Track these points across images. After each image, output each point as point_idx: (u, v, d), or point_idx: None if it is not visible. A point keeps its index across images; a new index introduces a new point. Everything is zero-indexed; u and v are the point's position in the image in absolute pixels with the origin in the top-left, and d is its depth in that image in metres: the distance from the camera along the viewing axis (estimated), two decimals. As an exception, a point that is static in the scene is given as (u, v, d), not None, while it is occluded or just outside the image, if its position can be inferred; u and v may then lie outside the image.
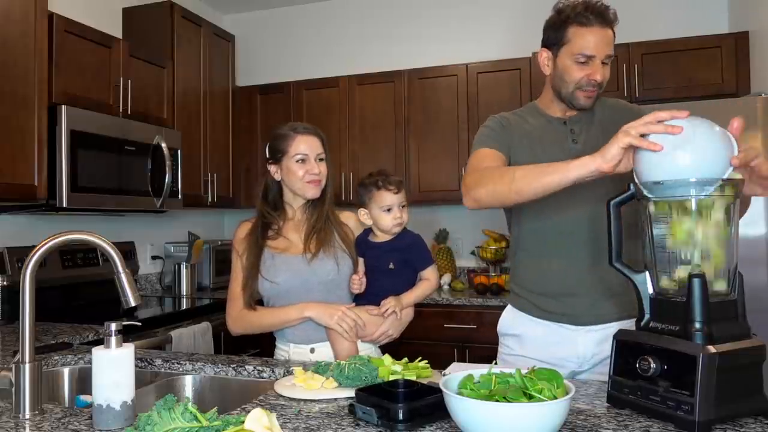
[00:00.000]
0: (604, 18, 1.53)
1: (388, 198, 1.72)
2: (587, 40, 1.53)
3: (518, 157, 1.64)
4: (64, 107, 2.56)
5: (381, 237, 1.78)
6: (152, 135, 3.05)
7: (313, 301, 1.72)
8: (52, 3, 2.66)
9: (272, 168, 1.81)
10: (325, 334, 1.74)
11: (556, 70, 1.61)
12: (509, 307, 1.77)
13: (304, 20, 4.33)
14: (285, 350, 1.80)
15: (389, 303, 1.71)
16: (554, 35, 1.60)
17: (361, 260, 1.80)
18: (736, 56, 3.15)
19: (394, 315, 1.73)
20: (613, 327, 1.59)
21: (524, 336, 1.70)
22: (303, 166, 1.75)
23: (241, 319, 1.78)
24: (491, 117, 1.75)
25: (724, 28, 3.46)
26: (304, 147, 1.76)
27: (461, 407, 1.01)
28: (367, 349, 1.76)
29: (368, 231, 1.82)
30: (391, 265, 1.75)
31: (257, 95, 4.06)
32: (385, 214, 1.73)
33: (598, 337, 1.61)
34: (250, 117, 4.06)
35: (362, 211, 1.78)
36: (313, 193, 1.78)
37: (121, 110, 2.94)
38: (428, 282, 1.79)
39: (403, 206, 1.75)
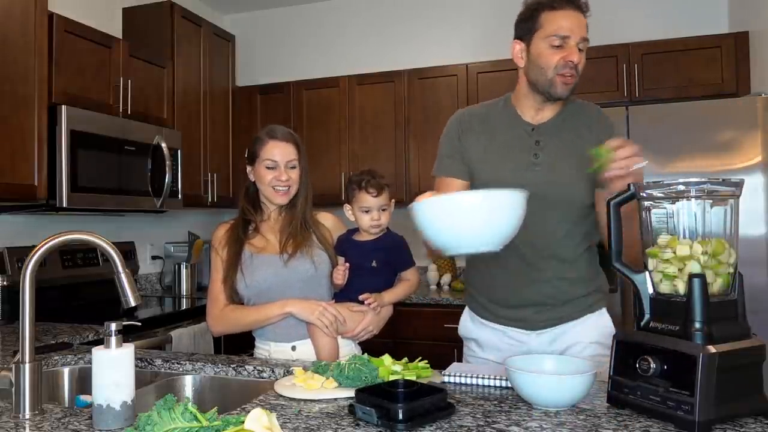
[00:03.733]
0: (575, 3, 1.51)
1: (368, 200, 1.75)
2: (560, 21, 1.50)
3: (477, 166, 1.63)
4: (64, 107, 2.57)
5: (365, 236, 1.81)
6: (152, 135, 3.05)
7: (293, 298, 1.74)
8: (52, 3, 2.66)
9: (248, 169, 1.86)
10: (306, 331, 1.76)
11: (531, 58, 1.56)
12: (466, 309, 1.79)
13: (304, 20, 4.33)
14: (265, 349, 1.81)
15: (370, 297, 1.74)
16: (526, 25, 1.57)
17: (341, 258, 1.82)
18: (736, 56, 3.15)
19: (373, 311, 1.76)
20: (562, 327, 1.61)
21: (481, 340, 1.71)
22: (271, 172, 1.78)
23: (222, 318, 1.79)
24: (455, 118, 1.74)
25: (724, 28, 3.46)
26: (275, 153, 1.78)
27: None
28: (346, 346, 1.79)
29: (352, 231, 1.86)
30: (374, 263, 1.78)
31: (257, 95, 4.05)
32: (364, 215, 1.77)
33: (549, 337, 1.63)
34: (250, 117, 4.06)
35: (347, 207, 1.82)
36: (281, 200, 1.81)
37: (121, 110, 2.94)
38: (409, 282, 1.84)
39: (383, 209, 1.77)
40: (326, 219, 1.91)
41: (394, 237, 1.82)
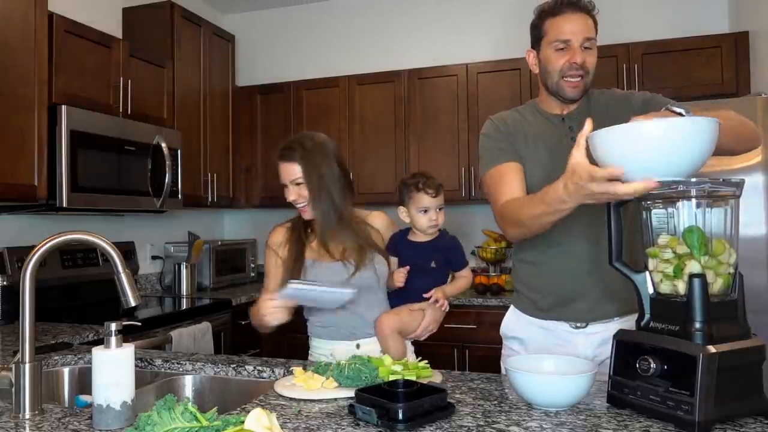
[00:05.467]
0: (577, 5, 1.58)
1: (426, 200, 1.78)
2: (561, 26, 1.58)
3: (523, 159, 1.65)
4: (64, 107, 2.56)
5: (421, 237, 1.82)
6: (152, 135, 3.05)
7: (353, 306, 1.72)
8: (52, 3, 2.66)
9: None
10: (372, 330, 1.77)
11: (541, 65, 1.65)
12: (512, 308, 1.78)
13: (305, 20, 4.33)
14: (328, 349, 1.79)
15: (437, 294, 1.76)
16: (534, 34, 1.66)
17: (394, 259, 1.82)
18: (736, 56, 3.15)
19: (433, 308, 1.77)
20: (612, 325, 1.59)
21: (526, 339, 1.71)
22: (287, 192, 1.79)
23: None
24: (488, 122, 1.75)
25: (724, 28, 3.46)
26: (282, 175, 1.78)
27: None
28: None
29: (406, 230, 1.86)
30: (433, 264, 1.80)
31: (257, 95, 4.06)
32: (422, 215, 1.78)
33: (598, 339, 1.62)
34: (250, 117, 4.06)
35: (402, 209, 1.84)
36: (306, 217, 1.80)
37: (121, 110, 2.94)
38: (466, 279, 1.87)
39: (440, 209, 1.80)
40: (376, 219, 1.88)
41: (450, 238, 1.85)
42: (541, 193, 1.37)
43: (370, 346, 1.77)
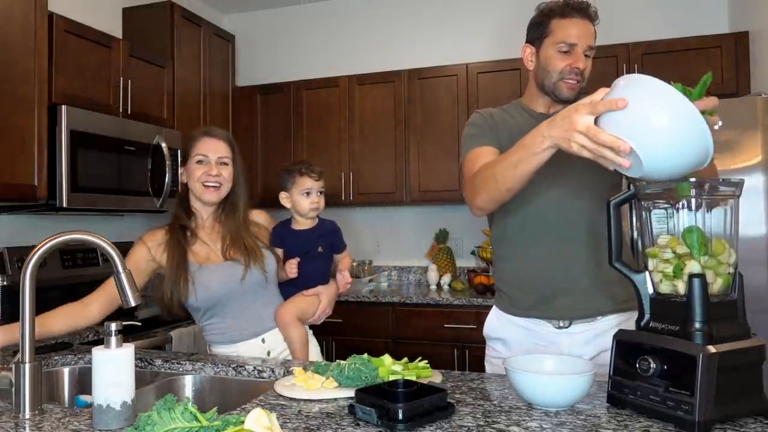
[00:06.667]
0: (585, 12, 1.59)
1: (309, 182, 1.88)
2: (569, 29, 1.58)
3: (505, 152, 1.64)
4: (64, 107, 2.57)
5: (303, 224, 1.92)
6: (152, 135, 3.05)
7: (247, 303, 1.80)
8: (52, 3, 2.66)
9: (181, 170, 1.86)
10: (272, 322, 1.83)
11: (539, 62, 1.65)
12: (494, 308, 1.78)
13: (305, 20, 4.33)
14: (233, 351, 1.79)
15: (347, 278, 1.98)
16: (537, 30, 1.66)
17: (280, 250, 1.91)
18: (736, 56, 3.15)
19: (326, 293, 1.91)
20: (597, 324, 1.60)
21: (509, 340, 1.70)
22: (201, 167, 1.78)
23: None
24: (475, 113, 1.77)
25: (724, 28, 3.46)
26: (206, 148, 1.79)
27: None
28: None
29: (287, 221, 1.94)
30: (320, 249, 1.91)
31: (257, 95, 4.06)
32: (304, 198, 1.88)
33: (583, 338, 1.61)
34: (250, 117, 4.06)
35: (283, 195, 1.93)
36: (209, 197, 1.79)
37: (121, 110, 2.94)
38: (348, 259, 2.05)
39: (321, 193, 1.91)
40: (259, 216, 1.96)
41: (330, 223, 1.97)
42: (521, 139, 1.37)
43: (274, 337, 1.83)
